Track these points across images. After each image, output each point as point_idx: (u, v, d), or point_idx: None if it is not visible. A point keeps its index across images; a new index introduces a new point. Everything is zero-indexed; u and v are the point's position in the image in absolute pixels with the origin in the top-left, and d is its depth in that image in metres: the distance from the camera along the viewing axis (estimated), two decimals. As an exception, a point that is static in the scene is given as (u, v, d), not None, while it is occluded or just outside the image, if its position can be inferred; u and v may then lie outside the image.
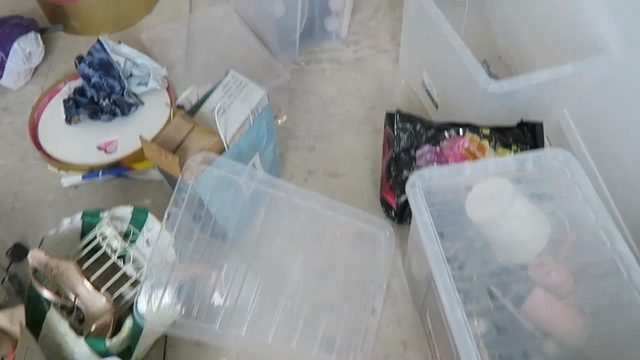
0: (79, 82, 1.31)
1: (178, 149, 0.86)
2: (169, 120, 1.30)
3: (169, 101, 1.33)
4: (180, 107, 1.36)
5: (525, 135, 1.04)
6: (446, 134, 1.04)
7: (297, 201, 0.92)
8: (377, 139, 1.27)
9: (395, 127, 1.05)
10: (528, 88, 0.96)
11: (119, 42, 1.34)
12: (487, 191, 0.83)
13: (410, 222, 1.01)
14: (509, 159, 0.84)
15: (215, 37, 1.52)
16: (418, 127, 1.04)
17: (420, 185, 0.81)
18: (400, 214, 1.09)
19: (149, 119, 1.30)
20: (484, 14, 1.51)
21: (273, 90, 1.38)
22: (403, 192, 1.05)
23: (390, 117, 1.07)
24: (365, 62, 1.45)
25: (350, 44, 1.50)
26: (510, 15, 1.36)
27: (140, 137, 0.85)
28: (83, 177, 1.18)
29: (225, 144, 0.87)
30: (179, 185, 0.84)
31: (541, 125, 1.02)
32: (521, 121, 1.06)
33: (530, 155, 0.84)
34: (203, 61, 1.45)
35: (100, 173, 1.18)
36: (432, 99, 1.26)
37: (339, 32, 1.50)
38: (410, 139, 1.05)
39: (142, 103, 1.32)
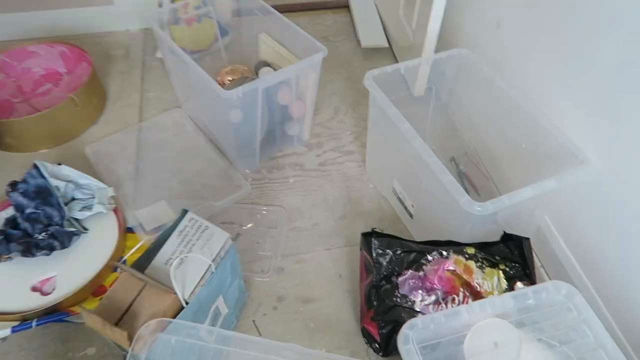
0: (10, 211, 1.16)
1: (127, 314, 0.72)
2: (117, 248, 1.15)
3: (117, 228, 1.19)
4: (130, 230, 1.23)
5: (512, 252, 0.96)
6: (429, 257, 0.95)
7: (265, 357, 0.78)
8: (351, 253, 1.17)
9: (373, 251, 0.95)
10: (512, 205, 0.90)
11: (59, 163, 1.21)
12: (487, 336, 0.73)
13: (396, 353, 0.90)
14: (508, 299, 0.75)
15: (168, 147, 1.41)
16: (398, 251, 0.95)
17: (413, 338, 0.70)
18: (385, 347, 0.97)
19: (94, 249, 1.15)
20: (447, 109, 1.49)
21: (233, 204, 1.27)
22: (386, 323, 0.93)
23: (366, 241, 0.98)
24: (329, 166, 1.38)
25: (313, 147, 1.43)
26: (475, 118, 1.34)
27: (81, 308, 0.71)
28: (12, 330, 1.00)
29: (183, 302, 0.74)
30: (130, 358, 0.69)
31: (528, 242, 0.95)
32: (504, 234, 0.99)
33: (530, 291, 0.76)
34: (155, 176, 1.34)
35: (34, 323, 1.00)
36: (405, 208, 1.19)
37: (301, 136, 1.43)
38: (391, 264, 0.95)
39: (85, 230, 1.17)
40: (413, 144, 0.99)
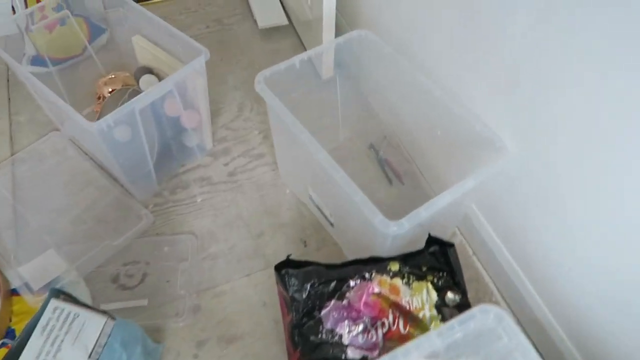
0: None
1: None
2: (1, 317, 0.99)
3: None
4: (15, 292, 1.06)
5: (438, 260, 0.88)
6: (351, 282, 0.86)
7: None
8: (273, 276, 1.06)
9: (288, 288, 0.85)
10: (430, 216, 0.82)
11: None
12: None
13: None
14: (433, 338, 0.67)
15: (51, 181, 1.22)
16: (316, 283, 0.85)
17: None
18: (320, 383, 0.88)
19: (-28, 327, 0.97)
20: (361, 91, 1.37)
21: (135, 239, 1.12)
22: (316, 361, 0.85)
23: (280, 276, 0.87)
24: (240, 175, 1.24)
25: (219, 155, 1.29)
26: (390, 99, 1.23)
27: None
28: None
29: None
30: None
31: (454, 249, 0.87)
32: (429, 237, 0.92)
33: (456, 323, 0.68)
34: (39, 219, 1.15)
35: None
36: (325, 217, 1.09)
37: (203, 145, 1.28)
38: (311, 299, 0.85)
39: (-42, 304, 0.99)
40: (317, 158, 0.87)
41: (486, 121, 0.91)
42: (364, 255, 0.88)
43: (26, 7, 1.38)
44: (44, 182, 1.22)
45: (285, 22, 1.57)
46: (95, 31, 1.49)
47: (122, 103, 1.19)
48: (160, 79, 1.22)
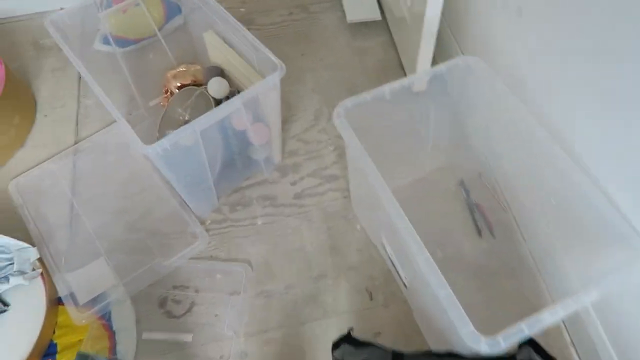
0: None
1: None
2: (45, 327, 0.94)
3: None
4: (60, 302, 1.01)
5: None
6: (422, 383, 0.71)
7: None
8: (332, 327, 0.94)
9: (346, 375, 0.72)
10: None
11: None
12: None
13: None
14: None
15: (110, 179, 1.15)
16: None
17: None
18: None
19: (15, 330, 0.94)
20: (459, 114, 1.18)
21: (187, 259, 1.03)
22: None
23: (335, 356, 0.74)
24: (308, 199, 1.11)
25: (288, 171, 1.16)
26: (492, 130, 1.03)
27: None
28: None
29: None
30: None
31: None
32: (526, 340, 0.75)
33: None
34: (94, 221, 1.09)
35: None
36: (398, 274, 0.94)
37: (271, 158, 1.15)
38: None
39: (5, 307, 0.96)
40: (397, 227, 0.72)
41: (620, 205, 0.71)
42: (440, 341, 0.73)
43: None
44: (104, 178, 1.15)
45: (378, 17, 1.37)
46: (171, 11, 1.38)
47: (188, 108, 1.08)
48: (230, 82, 1.09)
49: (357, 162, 0.81)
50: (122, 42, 1.34)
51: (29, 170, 1.17)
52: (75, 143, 1.21)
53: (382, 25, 1.40)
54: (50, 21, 0.99)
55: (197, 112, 1.11)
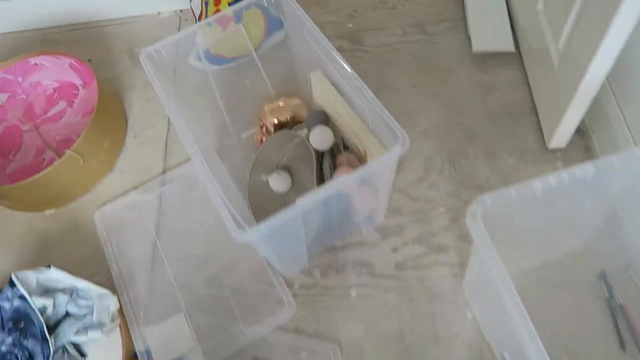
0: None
1: None
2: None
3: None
4: (136, 356, 0.95)
5: None
6: None
7: None
8: None
9: None
10: None
11: (48, 265, 0.93)
12: None
13: None
14: None
15: (196, 217, 1.07)
16: None
17: None
18: None
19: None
20: (612, 197, 0.97)
21: (271, 329, 0.93)
22: None
23: None
24: (410, 272, 0.96)
25: (389, 233, 1.01)
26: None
27: None
28: None
29: None
30: None
31: None
32: None
33: None
34: (176, 266, 1.02)
35: None
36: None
37: (373, 218, 1.01)
38: None
39: (83, 357, 0.91)
40: (520, 334, 0.56)
41: None
42: None
43: (203, -7, 1.17)
44: (189, 218, 1.07)
45: (511, 49, 1.16)
46: (272, 25, 1.24)
47: (285, 155, 0.96)
48: (335, 130, 0.95)
49: (484, 264, 0.65)
50: (218, 60, 1.23)
51: (115, 199, 1.11)
52: (163, 171, 1.14)
53: (514, 58, 1.18)
54: (145, 55, 0.89)
55: (295, 162, 0.99)
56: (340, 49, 1.26)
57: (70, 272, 1.01)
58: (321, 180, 0.92)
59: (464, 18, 1.26)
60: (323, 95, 0.93)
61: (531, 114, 1.11)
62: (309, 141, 0.94)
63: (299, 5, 0.90)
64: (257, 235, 0.70)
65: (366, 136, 0.84)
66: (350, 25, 1.30)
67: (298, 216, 0.73)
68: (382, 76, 1.21)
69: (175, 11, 1.40)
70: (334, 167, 0.92)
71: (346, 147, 0.95)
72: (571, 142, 1.03)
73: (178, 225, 1.07)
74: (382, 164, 0.75)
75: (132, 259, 1.03)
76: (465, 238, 0.98)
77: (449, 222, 1.01)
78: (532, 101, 1.12)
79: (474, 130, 1.11)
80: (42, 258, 1.06)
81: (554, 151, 1.05)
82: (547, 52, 0.99)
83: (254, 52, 1.09)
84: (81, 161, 1.07)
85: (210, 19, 1.12)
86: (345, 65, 0.82)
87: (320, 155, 0.95)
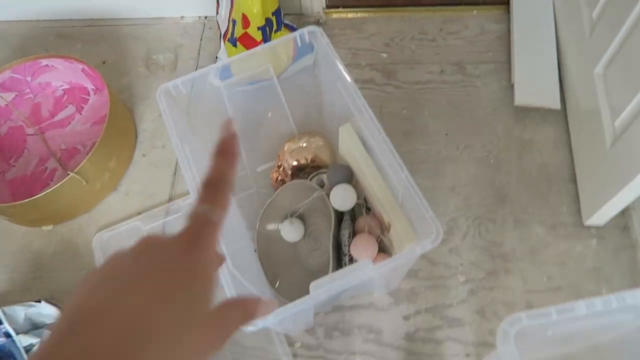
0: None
1: None
2: None
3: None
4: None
5: None
6: None
7: None
8: None
9: None
10: None
11: (39, 300, 0.88)
12: None
13: None
14: None
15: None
16: None
17: None
18: None
19: None
20: None
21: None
22: None
23: None
24: (420, 344, 0.90)
25: (401, 298, 0.94)
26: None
27: None
28: None
29: None
30: None
31: None
32: None
33: None
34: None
35: None
36: None
37: (388, 284, 0.94)
38: None
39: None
40: None
41: None
42: None
43: (231, 9, 1.08)
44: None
45: (557, 106, 1.06)
46: (302, 49, 1.16)
47: (302, 207, 0.89)
48: (358, 192, 0.87)
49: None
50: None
51: (115, 224, 1.05)
52: (170, 199, 1.07)
53: (558, 115, 1.09)
54: (162, 91, 0.81)
55: (310, 212, 0.92)
56: (371, 81, 1.17)
57: (61, 300, 0.96)
58: (337, 243, 0.86)
59: (509, 62, 1.16)
60: (350, 151, 0.85)
61: (569, 182, 1.02)
62: (329, 197, 0.87)
63: (334, 51, 0.82)
64: (267, 324, 0.64)
65: (393, 210, 0.77)
66: (385, 55, 1.21)
67: (310, 306, 0.66)
68: (412, 118, 1.12)
69: (199, 17, 1.31)
70: (353, 233, 0.85)
71: (368, 209, 0.88)
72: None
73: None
74: (411, 256, 0.67)
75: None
76: (483, 314, 0.91)
77: (467, 294, 0.94)
78: (573, 168, 1.03)
79: (506, 191, 1.03)
80: (35, 279, 1.01)
81: (589, 227, 0.97)
82: (600, 125, 0.90)
83: (276, 80, 1.00)
84: (84, 183, 1.00)
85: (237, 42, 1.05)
86: (383, 136, 0.74)
87: (339, 214, 0.87)
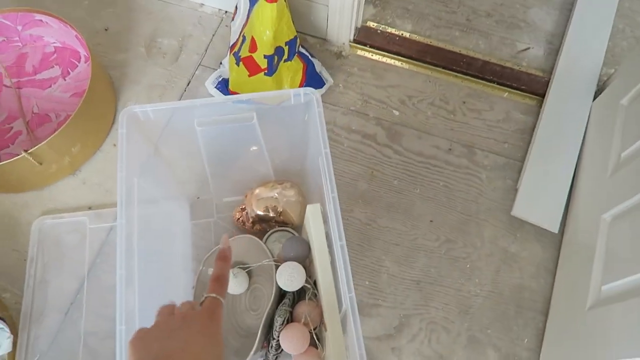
0: None
1: None
2: None
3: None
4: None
5: None
6: None
7: None
8: None
9: None
10: None
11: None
12: None
13: None
14: None
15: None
16: None
17: None
18: None
19: None
20: None
21: None
22: None
23: None
24: None
25: (326, 386, 0.88)
26: None
27: None
28: None
29: None
30: None
31: None
32: None
33: None
34: (91, 324, 0.90)
35: None
36: None
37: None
38: None
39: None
40: None
41: None
42: None
43: (245, 23, 0.98)
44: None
45: (554, 229, 0.98)
46: (310, 81, 1.07)
47: (247, 259, 0.81)
48: (309, 273, 0.80)
49: None
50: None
51: (62, 212, 0.98)
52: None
53: (553, 239, 1.00)
54: (126, 115, 0.72)
55: (259, 276, 0.85)
56: (372, 138, 1.09)
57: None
58: (270, 323, 0.79)
59: (522, 161, 1.07)
60: (312, 233, 0.77)
61: (540, 313, 0.94)
62: (276, 269, 0.80)
63: (324, 127, 0.73)
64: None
65: (333, 318, 0.70)
66: (397, 113, 1.12)
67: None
68: (401, 191, 1.04)
69: (219, 10, 1.21)
70: (290, 318, 0.77)
71: (315, 294, 0.80)
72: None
73: (113, 275, 0.94)
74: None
75: (52, 291, 0.92)
76: None
77: (395, 405, 0.87)
78: (548, 302, 0.95)
79: (471, 303, 0.95)
80: (-38, 246, 0.95)
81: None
82: (588, 278, 0.82)
83: (257, 124, 0.89)
84: (38, 165, 0.93)
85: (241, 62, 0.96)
86: (342, 246, 0.66)
87: (282, 291, 0.80)
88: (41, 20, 1.06)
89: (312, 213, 0.76)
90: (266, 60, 0.94)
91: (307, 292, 0.80)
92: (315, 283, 0.82)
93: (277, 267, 0.80)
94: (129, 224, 0.69)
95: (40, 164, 0.93)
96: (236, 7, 1.02)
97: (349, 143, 1.08)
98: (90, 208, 0.99)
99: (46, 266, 0.94)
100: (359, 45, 1.18)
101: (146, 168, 0.81)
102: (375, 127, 1.10)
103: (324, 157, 0.71)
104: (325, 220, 0.75)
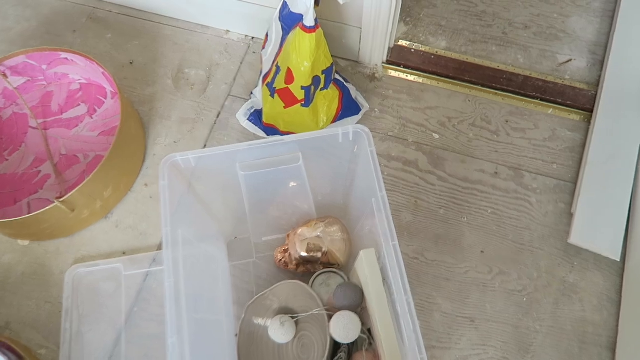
0: None
1: None
2: None
3: None
4: None
5: None
6: None
7: None
8: None
9: None
10: None
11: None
12: None
13: None
14: None
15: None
16: None
17: None
18: None
19: None
20: None
21: None
22: None
23: None
24: None
25: None
26: None
27: None
28: None
29: None
30: None
31: None
32: None
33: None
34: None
35: None
36: None
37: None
38: None
39: None
40: None
41: None
42: None
43: (279, 52, 0.94)
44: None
45: (616, 257, 0.92)
46: (347, 109, 1.02)
47: (294, 318, 0.77)
48: (364, 320, 0.75)
49: None
50: (270, 130, 1.02)
51: (95, 258, 0.94)
52: (160, 246, 0.96)
53: (614, 266, 0.94)
54: (167, 164, 0.68)
55: (307, 322, 0.80)
56: (414, 164, 1.03)
57: (18, 332, 0.87)
58: (325, 376, 0.74)
59: (575, 182, 1.01)
60: (367, 280, 0.72)
61: (607, 349, 0.88)
62: (329, 318, 0.75)
63: (377, 164, 0.68)
64: None
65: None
66: (437, 136, 1.06)
67: None
68: (448, 221, 0.98)
69: (245, 36, 1.17)
70: (346, 371, 0.73)
71: (370, 343, 0.75)
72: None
73: (153, 322, 0.90)
74: None
75: (88, 344, 0.88)
76: None
77: None
78: (615, 336, 0.89)
79: (531, 341, 0.89)
80: (-5, 299, 0.92)
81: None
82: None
83: (303, 166, 0.84)
84: (70, 213, 0.89)
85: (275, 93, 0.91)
86: (407, 294, 0.61)
87: (336, 343, 0.75)
88: (66, 59, 1.03)
89: (368, 259, 0.71)
90: (303, 91, 0.90)
91: (363, 343, 0.75)
92: (369, 331, 0.77)
93: (327, 314, 0.76)
94: (177, 284, 0.65)
95: (73, 210, 0.90)
96: (267, 35, 0.98)
97: (390, 171, 1.03)
98: (124, 253, 0.95)
99: (82, 317, 0.90)
100: (392, 66, 1.13)
101: (181, 208, 0.76)
102: (415, 153, 1.05)
103: (380, 201, 0.66)
104: (381, 266, 0.70)
